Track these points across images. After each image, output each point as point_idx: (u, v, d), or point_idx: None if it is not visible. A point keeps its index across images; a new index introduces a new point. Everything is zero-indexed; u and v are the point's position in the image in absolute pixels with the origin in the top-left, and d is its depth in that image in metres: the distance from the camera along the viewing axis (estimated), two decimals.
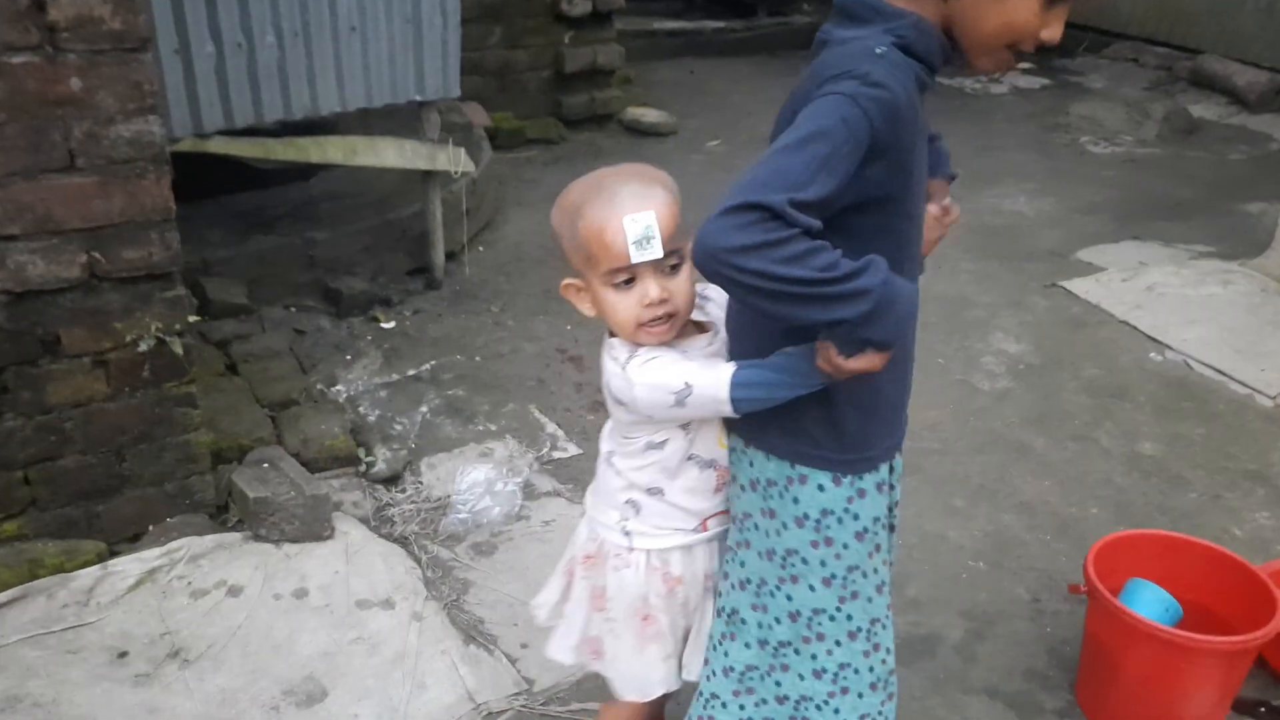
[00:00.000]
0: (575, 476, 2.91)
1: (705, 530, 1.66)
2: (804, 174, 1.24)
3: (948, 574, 2.66)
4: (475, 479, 2.83)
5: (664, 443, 1.57)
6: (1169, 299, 4.03)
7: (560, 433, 3.09)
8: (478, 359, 3.50)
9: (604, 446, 1.67)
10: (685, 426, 1.57)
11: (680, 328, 1.53)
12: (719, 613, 1.68)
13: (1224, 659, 2.08)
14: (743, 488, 1.59)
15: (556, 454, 3.01)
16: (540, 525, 2.73)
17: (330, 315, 3.64)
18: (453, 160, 3.74)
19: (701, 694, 1.72)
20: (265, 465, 2.67)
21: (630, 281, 1.47)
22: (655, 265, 1.45)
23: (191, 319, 2.41)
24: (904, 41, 1.34)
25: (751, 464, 1.56)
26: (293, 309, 3.61)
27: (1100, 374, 3.58)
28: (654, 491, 1.61)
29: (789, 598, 1.58)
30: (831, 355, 1.35)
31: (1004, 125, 6.37)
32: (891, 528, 1.64)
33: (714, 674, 1.69)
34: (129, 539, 2.51)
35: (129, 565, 2.40)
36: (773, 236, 1.22)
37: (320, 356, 3.40)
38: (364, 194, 3.99)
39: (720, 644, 1.68)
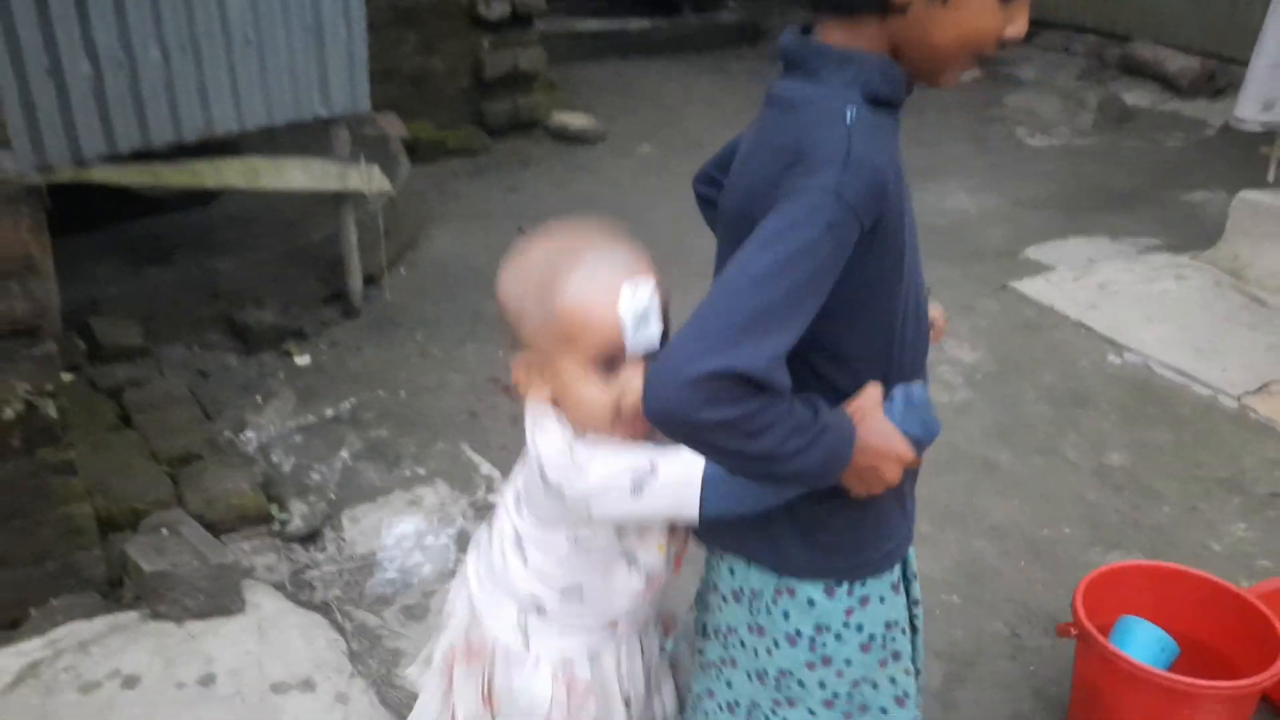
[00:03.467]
0: None
1: (616, 630, 1.44)
2: (787, 312, 1.03)
3: (926, 611, 2.46)
4: (403, 532, 2.59)
5: (592, 538, 1.34)
6: (1123, 297, 3.90)
7: (496, 473, 2.84)
8: (402, 394, 3.23)
9: (507, 526, 1.42)
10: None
11: None
12: None
13: (1229, 703, 1.91)
14: (724, 599, 1.35)
15: (492, 497, 2.76)
16: None
17: (237, 352, 3.33)
18: (366, 179, 3.47)
19: None
20: (164, 532, 2.38)
21: (612, 368, 1.24)
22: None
23: (66, 377, 2.13)
24: (871, 91, 1.13)
25: (732, 571, 1.33)
26: (195, 347, 3.30)
27: (1060, 380, 3.42)
28: (570, 590, 1.39)
29: None
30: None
31: (938, 119, 6.24)
32: (914, 628, 1.41)
33: None
34: (7, 626, 2.21)
35: (6, 660, 2.11)
36: (750, 410, 1.02)
37: (226, 400, 3.11)
38: (271, 218, 3.70)
39: None
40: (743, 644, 1.34)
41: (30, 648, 2.14)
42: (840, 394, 1.19)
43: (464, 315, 3.69)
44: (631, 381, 1.23)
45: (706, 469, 1.20)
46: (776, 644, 1.30)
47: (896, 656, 1.34)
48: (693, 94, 6.38)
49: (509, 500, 1.43)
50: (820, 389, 1.18)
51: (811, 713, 1.32)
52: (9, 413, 2.05)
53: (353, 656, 2.25)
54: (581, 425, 1.28)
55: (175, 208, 3.60)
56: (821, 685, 1.31)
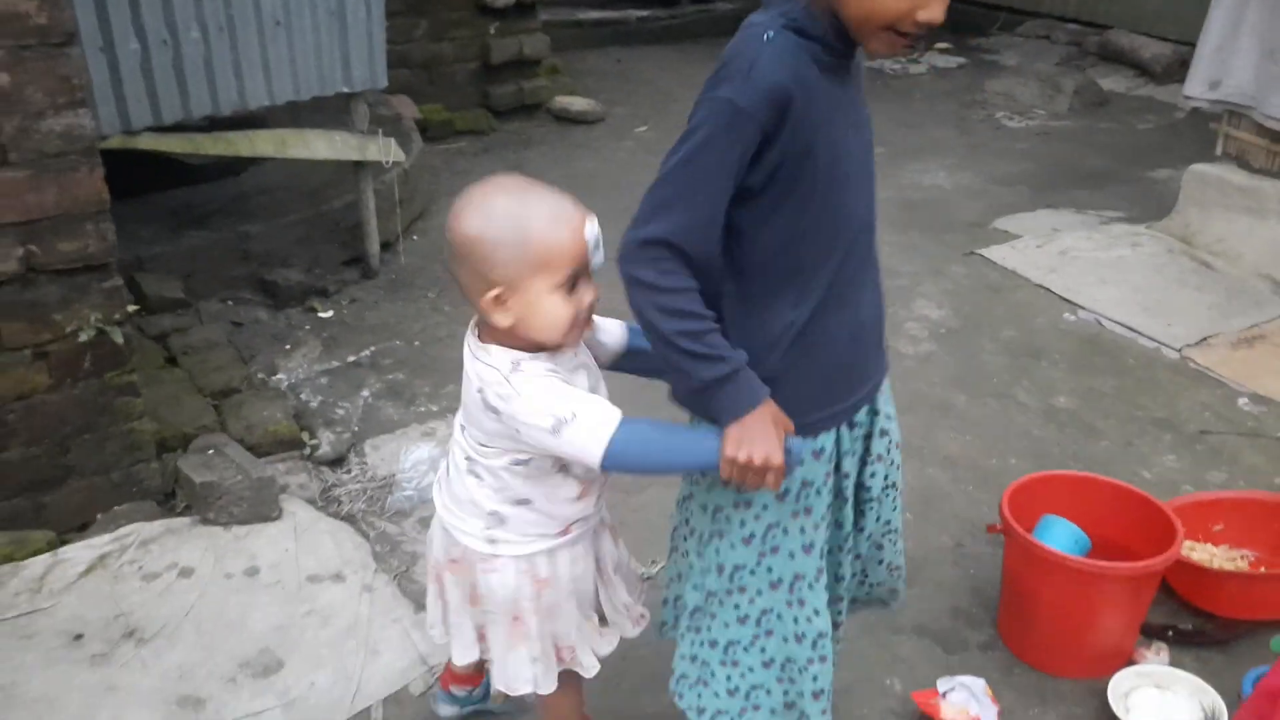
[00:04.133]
0: None
1: (568, 534, 1.68)
2: (691, 196, 1.40)
3: None
4: (419, 457, 2.90)
5: (529, 460, 1.58)
6: (1081, 262, 4.21)
7: None
8: (416, 344, 3.56)
9: (458, 453, 1.65)
10: None
11: None
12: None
13: (1130, 584, 2.23)
14: None
15: None
16: None
17: (267, 307, 3.67)
18: (383, 151, 3.79)
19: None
20: (210, 451, 2.71)
21: (573, 287, 1.51)
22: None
23: (131, 307, 2.44)
24: (794, 24, 1.38)
25: (690, 418, 1.66)
26: (229, 302, 3.64)
27: (1017, 335, 3.74)
28: (521, 502, 1.62)
29: (716, 551, 1.68)
30: (733, 451, 1.47)
31: (923, 104, 6.55)
32: (845, 498, 1.72)
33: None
34: (77, 528, 2.54)
35: (79, 552, 2.44)
36: (664, 278, 1.42)
37: (259, 347, 3.44)
38: (296, 187, 4.03)
39: (678, 581, 1.81)
40: (696, 481, 1.68)
41: (99, 543, 2.47)
42: (766, 301, 1.53)
43: None
44: (585, 295, 1.52)
45: (617, 429, 1.47)
46: (714, 483, 1.63)
47: (808, 511, 1.64)
48: (688, 80, 6.68)
49: (457, 430, 1.66)
50: (753, 299, 1.53)
51: (732, 546, 1.65)
52: (82, 337, 2.38)
53: (376, 557, 2.58)
54: (542, 337, 1.52)
55: (209, 178, 3.92)
56: (742, 524, 1.63)
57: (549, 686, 1.76)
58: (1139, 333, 3.72)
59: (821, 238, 1.51)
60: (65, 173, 2.26)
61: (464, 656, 1.79)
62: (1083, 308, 3.89)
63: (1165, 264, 4.17)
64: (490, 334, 1.56)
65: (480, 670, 2.03)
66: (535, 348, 1.54)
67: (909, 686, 2.26)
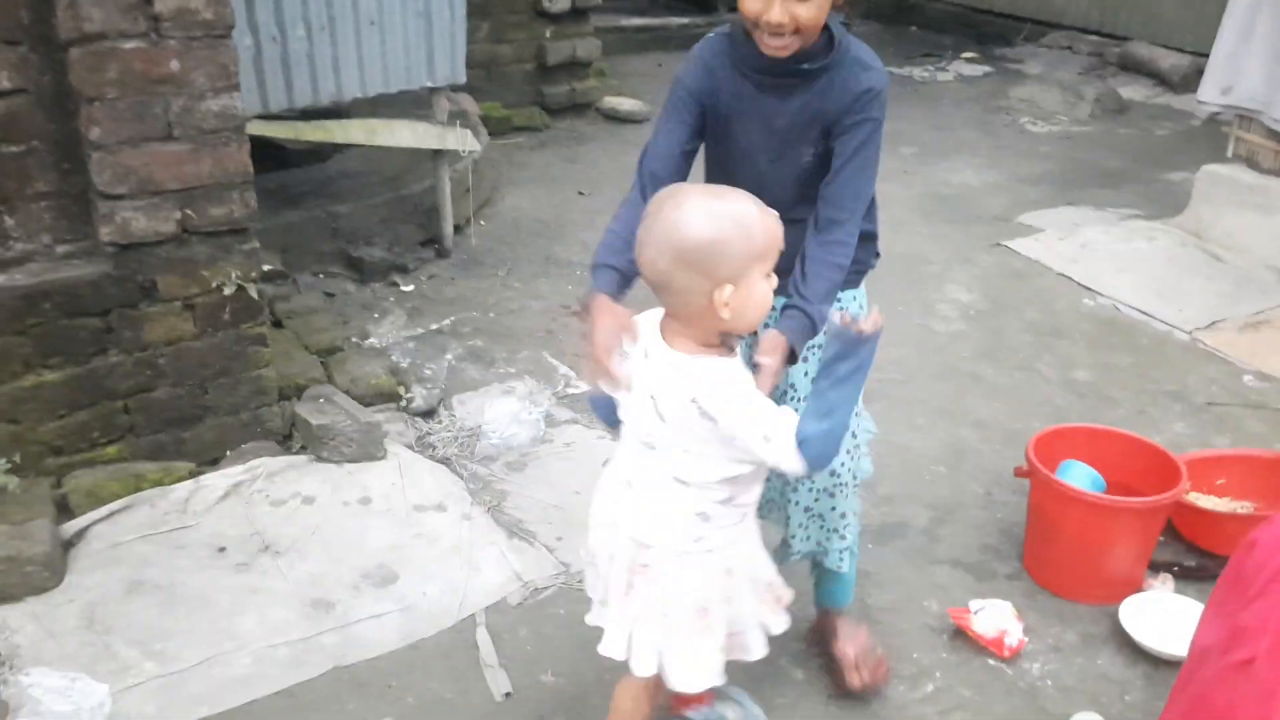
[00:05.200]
0: (589, 409, 3.33)
1: (746, 517, 1.81)
2: (658, 126, 1.99)
3: (913, 476, 3.11)
4: (502, 410, 3.23)
5: (743, 462, 1.69)
6: (1100, 253, 4.53)
7: (571, 373, 3.51)
8: (491, 315, 3.91)
9: (646, 471, 1.75)
10: None
11: None
12: None
13: (1140, 517, 2.54)
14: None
15: (571, 390, 3.42)
16: (563, 446, 3.14)
17: (355, 280, 4.02)
18: (460, 140, 4.14)
19: None
20: (322, 400, 3.06)
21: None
22: None
23: (266, 267, 2.79)
24: (727, 32, 1.95)
25: None
26: (321, 275, 3.99)
27: (1040, 317, 4.06)
28: (726, 500, 1.74)
29: None
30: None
31: (951, 108, 6.88)
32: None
33: None
34: (210, 462, 2.88)
35: (217, 480, 2.79)
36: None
37: (350, 315, 3.79)
38: (378, 172, 4.38)
39: None
40: None
41: (233, 473, 2.82)
42: None
43: (537, 257, 4.36)
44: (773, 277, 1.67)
45: (800, 435, 1.63)
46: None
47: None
48: None
49: (634, 448, 1.76)
50: None
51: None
52: (226, 291, 2.73)
53: (470, 492, 2.92)
54: (752, 323, 1.65)
55: (301, 163, 4.28)
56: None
57: (722, 677, 1.85)
58: (1153, 316, 4.03)
59: (727, 183, 1.80)
60: (219, 147, 2.61)
61: (646, 668, 1.83)
62: (1101, 294, 4.20)
63: (1178, 255, 4.48)
64: (681, 338, 1.66)
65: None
66: (720, 344, 1.67)
67: (945, 606, 2.58)
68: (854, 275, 2.10)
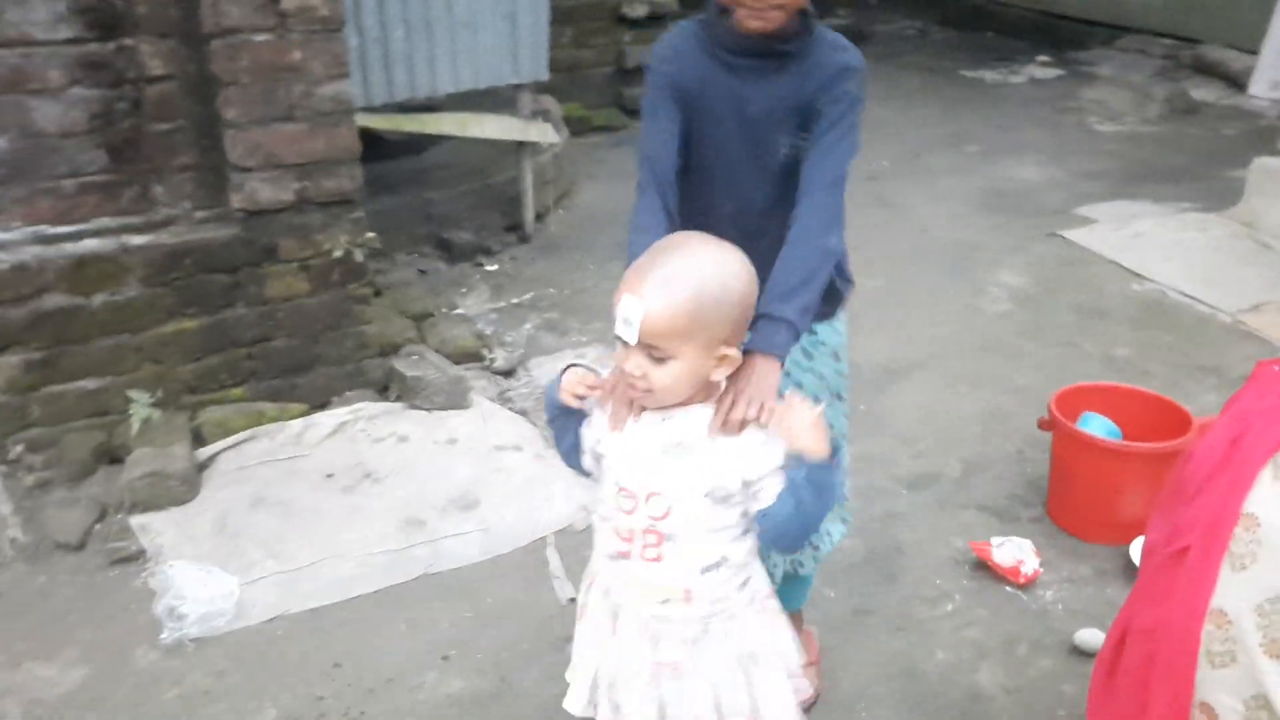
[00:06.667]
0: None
1: None
2: (645, 125, 1.89)
3: (951, 434, 3.36)
4: None
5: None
6: (1151, 243, 4.71)
7: None
8: (566, 292, 4.27)
9: (698, 581, 1.62)
10: None
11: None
12: None
13: (1150, 462, 2.77)
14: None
15: None
16: None
17: (444, 260, 4.43)
18: (542, 133, 4.52)
19: None
20: (415, 356, 3.44)
21: None
22: None
23: (369, 235, 3.18)
24: (699, 19, 1.88)
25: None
26: (414, 255, 4.40)
27: (1087, 299, 4.26)
28: (753, 550, 1.70)
29: None
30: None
31: (1019, 109, 7.05)
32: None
33: None
34: (319, 405, 3.28)
35: (325, 419, 3.18)
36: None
37: (440, 290, 4.19)
38: (466, 164, 4.79)
39: None
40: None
41: (339, 414, 3.22)
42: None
43: (610, 244, 4.71)
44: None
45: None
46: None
47: None
48: None
49: (695, 542, 1.61)
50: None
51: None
52: (336, 254, 3.13)
53: (544, 438, 3.26)
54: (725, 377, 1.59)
55: (399, 155, 4.71)
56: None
57: None
58: (1197, 299, 4.21)
59: (696, 177, 1.92)
60: (331, 128, 3.02)
61: None
62: (1149, 279, 4.39)
63: (1228, 245, 4.63)
64: (681, 399, 1.58)
65: None
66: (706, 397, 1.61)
67: (969, 541, 2.84)
68: (832, 300, 2.03)
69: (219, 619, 2.54)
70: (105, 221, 2.91)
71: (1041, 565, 2.73)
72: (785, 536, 1.62)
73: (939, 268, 4.53)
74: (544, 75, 4.46)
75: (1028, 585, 2.68)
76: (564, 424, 1.71)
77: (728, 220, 1.86)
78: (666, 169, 1.86)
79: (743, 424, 1.57)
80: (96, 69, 2.78)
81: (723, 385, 1.61)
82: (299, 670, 2.44)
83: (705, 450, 1.57)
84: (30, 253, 2.82)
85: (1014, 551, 2.74)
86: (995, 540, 2.80)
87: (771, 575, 1.99)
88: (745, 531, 1.65)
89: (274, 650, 2.50)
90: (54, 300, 2.84)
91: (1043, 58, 8.24)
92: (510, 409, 3.42)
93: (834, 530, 2.22)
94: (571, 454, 1.72)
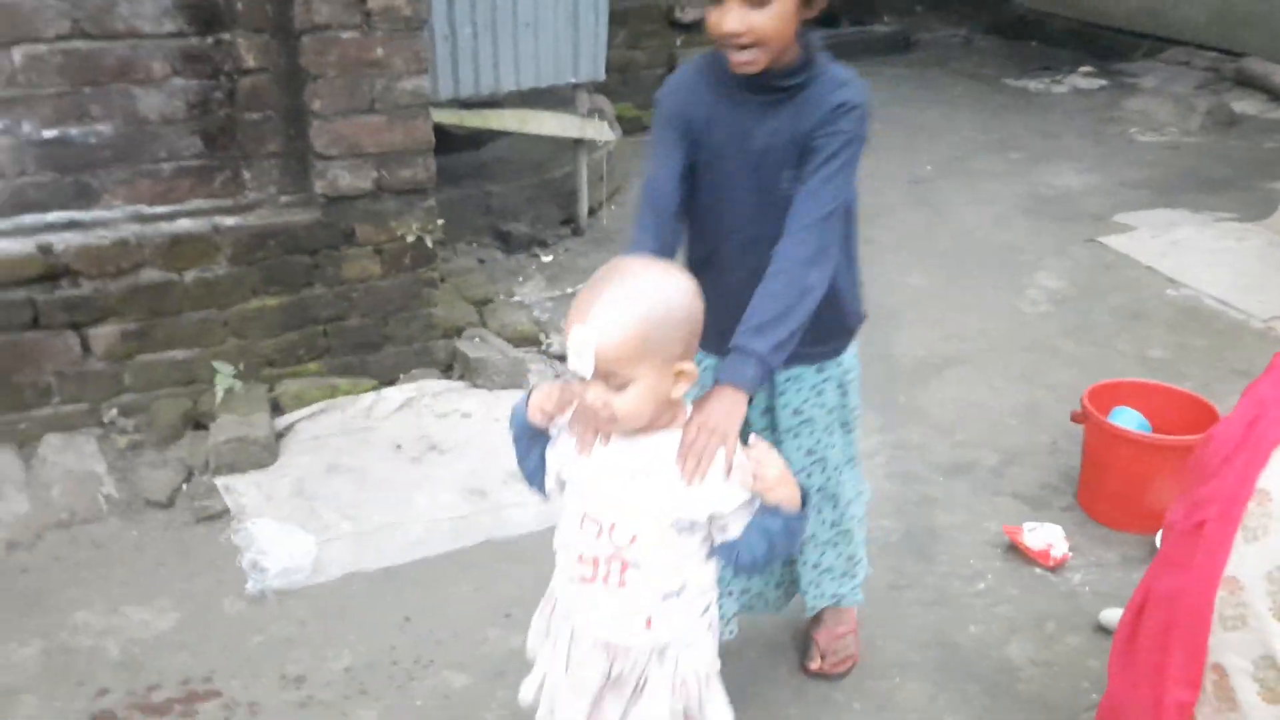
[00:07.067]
0: None
1: None
2: (654, 155, 1.93)
3: (988, 426, 3.51)
4: None
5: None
6: (1189, 250, 4.81)
7: None
8: None
9: (660, 607, 1.64)
10: None
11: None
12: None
13: (1178, 454, 2.89)
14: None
15: None
16: None
17: (502, 250, 4.62)
18: (598, 130, 4.70)
19: None
20: (477, 339, 3.64)
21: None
22: None
23: (440, 221, 3.38)
24: (711, 52, 1.88)
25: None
26: (474, 245, 4.60)
27: (1124, 302, 4.39)
28: (714, 576, 1.72)
29: None
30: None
31: (1062, 118, 7.15)
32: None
33: None
34: (388, 382, 3.48)
35: (394, 394, 3.38)
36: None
37: (498, 278, 4.38)
38: (525, 159, 4.98)
39: None
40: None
41: (406, 390, 3.42)
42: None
43: None
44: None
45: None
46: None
47: None
48: None
49: (653, 579, 1.62)
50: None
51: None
52: (408, 239, 3.33)
53: None
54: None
55: (461, 149, 4.90)
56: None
57: None
58: (1231, 305, 4.31)
59: (704, 211, 1.95)
60: (409, 120, 3.21)
61: None
62: (1185, 285, 4.50)
63: (1266, 254, 4.73)
64: (647, 422, 1.57)
65: None
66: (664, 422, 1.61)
67: (1002, 525, 2.99)
68: (839, 336, 2.06)
69: (298, 574, 2.73)
70: (199, 203, 3.12)
71: (1071, 550, 2.87)
72: (753, 569, 1.66)
73: (980, 269, 4.66)
74: (601, 76, 4.64)
75: (1057, 568, 2.83)
76: (528, 445, 1.72)
77: (736, 253, 1.92)
78: (667, 204, 1.88)
79: (705, 461, 1.57)
80: (196, 61, 3.00)
81: (688, 409, 1.63)
82: (372, 622, 2.64)
83: (672, 479, 1.58)
84: (130, 230, 3.03)
85: (1045, 536, 2.89)
86: (1027, 525, 2.94)
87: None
88: (709, 557, 1.66)
89: (349, 604, 2.70)
90: (150, 275, 3.06)
91: (1086, 68, 8.32)
92: None
93: (859, 571, 2.37)
94: (535, 475, 1.73)
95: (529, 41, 4.38)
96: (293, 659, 2.53)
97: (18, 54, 2.82)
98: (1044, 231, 5.08)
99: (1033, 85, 7.94)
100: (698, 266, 1.93)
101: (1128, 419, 3.02)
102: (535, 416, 1.67)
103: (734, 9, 1.70)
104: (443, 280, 4.02)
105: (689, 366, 1.55)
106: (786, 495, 1.56)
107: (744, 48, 1.73)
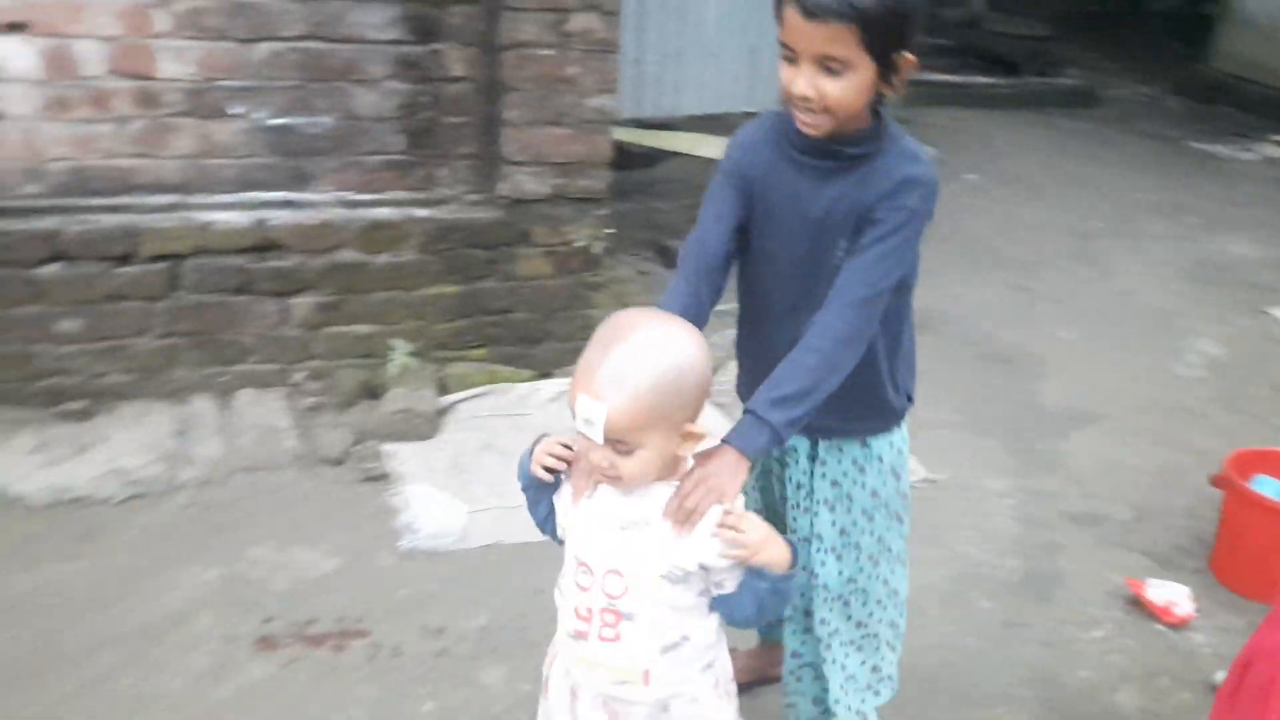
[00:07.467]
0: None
1: None
2: (703, 210, 1.87)
3: (1124, 482, 3.50)
4: None
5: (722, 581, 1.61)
6: None
7: None
8: None
9: (658, 661, 1.63)
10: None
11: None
12: None
13: None
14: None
15: None
16: None
17: (661, 264, 4.84)
18: None
19: None
20: None
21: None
22: None
23: (608, 230, 3.61)
24: (780, 110, 1.80)
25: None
26: (635, 256, 4.84)
27: None
28: (720, 631, 1.70)
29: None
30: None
31: (1248, 185, 6.94)
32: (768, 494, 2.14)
33: None
34: (543, 375, 3.73)
35: (548, 386, 3.63)
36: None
37: (655, 289, 4.58)
38: (691, 180, 5.19)
39: None
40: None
41: (561, 384, 3.64)
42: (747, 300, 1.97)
43: None
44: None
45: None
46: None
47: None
48: (1020, 142, 7.42)
49: (644, 615, 1.60)
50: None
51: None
52: (578, 244, 3.58)
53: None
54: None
55: (632, 166, 5.17)
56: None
57: None
58: None
59: (752, 270, 1.92)
60: (592, 135, 3.46)
61: None
62: None
63: None
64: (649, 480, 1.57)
65: None
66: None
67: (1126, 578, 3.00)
68: (884, 416, 1.98)
69: (447, 538, 2.98)
70: (396, 194, 3.44)
71: (1197, 611, 2.87)
72: (746, 626, 1.69)
73: (1137, 329, 4.62)
74: (774, 105, 4.81)
75: (1179, 626, 2.83)
76: (536, 494, 1.72)
77: (784, 316, 1.88)
78: (711, 255, 1.84)
79: (696, 515, 1.55)
80: (409, 67, 3.32)
81: (689, 463, 1.61)
82: (507, 590, 2.86)
83: (664, 530, 1.56)
84: (334, 213, 3.37)
85: (1169, 593, 2.89)
86: (1152, 580, 2.95)
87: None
88: (710, 610, 1.64)
89: (489, 571, 2.93)
90: (347, 255, 3.39)
91: (1278, 137, 8.03)
92: (710, 402, 3.77)
93: (884, 691, 2.14)
94: (547, 523, 1.73)
95: (711, 70, 4.60)
96: (434, 613, 2.77)
97: (262, 49, 3.19)
98: (1209, 299, 4.99)
99: (1222, 151, 7.72)
100: (743, 322, 2.01)
101: (1269, 488, 3.00)
102: (537, 472, 1.68)
103: (807, 72, 1.64)
104: (604, 286, 4.27)
105: (697, 428, 1.55)
106: (773, 557, 1.55)
107: (811, 110, 1.67)
